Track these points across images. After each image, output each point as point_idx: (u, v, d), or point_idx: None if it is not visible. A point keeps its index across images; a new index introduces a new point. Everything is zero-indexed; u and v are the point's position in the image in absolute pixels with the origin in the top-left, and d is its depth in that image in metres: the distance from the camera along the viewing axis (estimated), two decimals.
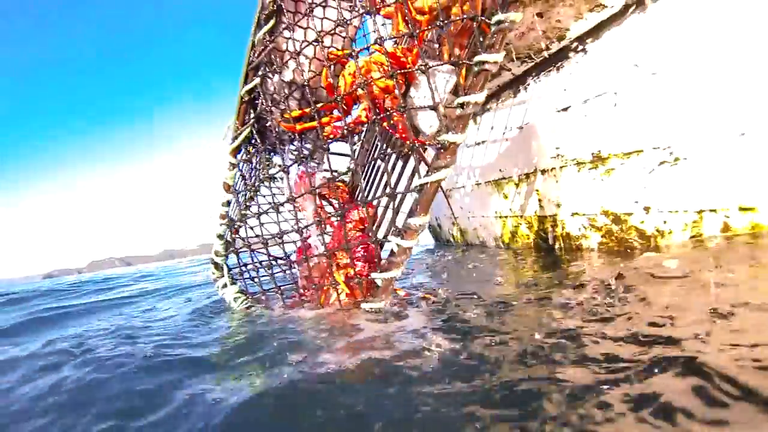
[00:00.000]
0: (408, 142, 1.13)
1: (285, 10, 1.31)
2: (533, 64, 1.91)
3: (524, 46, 1.83)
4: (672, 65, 1.45)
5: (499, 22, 0.91)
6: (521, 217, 2.26)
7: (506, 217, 2.39)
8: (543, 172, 2.00)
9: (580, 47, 1.73)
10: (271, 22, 1.28)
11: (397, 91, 1.10)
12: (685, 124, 1.45)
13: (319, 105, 1.28)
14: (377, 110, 1.19)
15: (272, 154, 1.70)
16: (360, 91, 1.17)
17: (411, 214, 1.09)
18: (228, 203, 1.62)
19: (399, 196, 1.40)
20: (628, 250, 1.75)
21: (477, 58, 0.92)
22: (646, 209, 1.64)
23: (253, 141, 1.55)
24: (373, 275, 1.15)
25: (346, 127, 1.17)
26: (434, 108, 1.08)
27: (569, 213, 1.94)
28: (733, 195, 1.40)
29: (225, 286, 1.62)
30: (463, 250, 3.02)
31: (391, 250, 1.29)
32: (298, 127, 1.25)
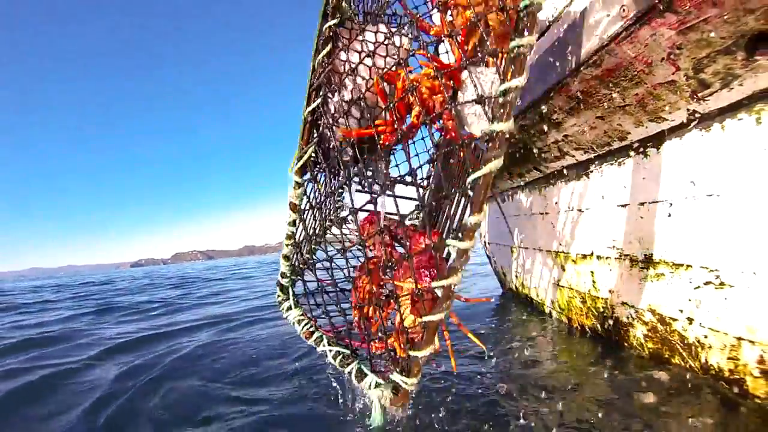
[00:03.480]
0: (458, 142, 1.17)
1: (341, 36, 1.45)
2: (595, 155, 2.01)
3: (586, 140, 1.95)
4: (730, 192, 1.49)
5: (527, 6, 0.96)
6: (576, 291, 2.38)
7: (563, 287, 2.51)
8: (599, 258, 2.11)
9: (641, 149, 1.80)
10: (328, 47, 1.41)
11: (443, 90, 1.17)
12: (736, 254, 1.49)
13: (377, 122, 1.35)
14: (428, 112, 1.22)
15: (341, 191, 1.75)
16: (411, 98, 1.27)
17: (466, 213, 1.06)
18: (294, 223, 1.58)
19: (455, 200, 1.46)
20: (669, 354, 1.83)
21: (512, 44, 0.97)
22: (689, 320, 1.70)
23: (317, 164, 1.57)
24: (433, 284, 1.11)
25: (400, 131, 1.27)
26: (479, 101, 1.15)
27: (620, 301, 2.03)
28: None
29: (289, 308, 1.61)
30: (524, 313, 3.22)
31: (449, 254, 1.36)
32: (354, 131, 1.36)
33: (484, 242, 4.05)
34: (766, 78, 1.28)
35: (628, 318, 2.01)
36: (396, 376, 1.15)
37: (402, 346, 1.29)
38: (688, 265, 1.68)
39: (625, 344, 2.09)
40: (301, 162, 1.50)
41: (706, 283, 1.62)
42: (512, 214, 3.10)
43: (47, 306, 8.59)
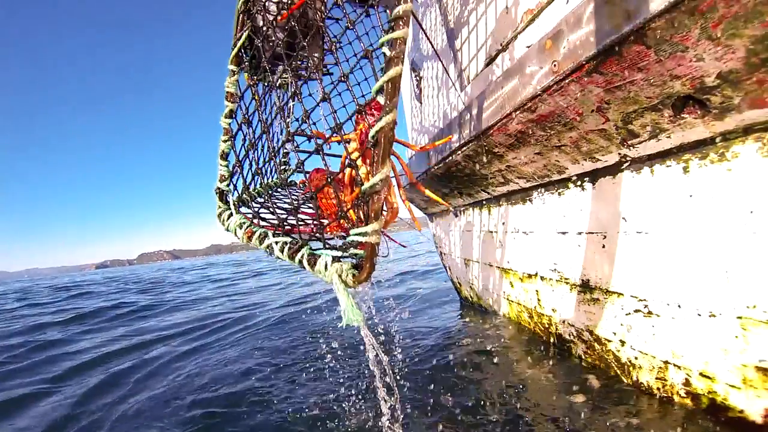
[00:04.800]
0: None
1: None
2: (538, 183, 2.02)
3: (528, 171, 1.94)
4: (658, 231, 1.52)
5: None
6: (524, 306, 2.43)
7: (512, 301, 2.57)
8: (542, 278, 2.15)
9: (579, 182, 1.82)
10: None
11: None
12: (662, 287, 1.55)
13: None
14: None
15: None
16: None
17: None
18: (230, 114, 1.44)
19: None
20: (606, 369, 1.92)
21: None
22: (622, 342, 1.77)
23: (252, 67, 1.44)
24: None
25: None
26: None
27: (561, 320, 2.09)
28: (696, 361, 1.50)
29: (230, 216, 1.42)
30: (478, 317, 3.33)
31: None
32: None
33: (441, 252, 4.08)
34: (694, 132, 1.29)
35: (569, 335, 2.08)
36: (354, 232, 0.95)
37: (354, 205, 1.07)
38: (620, 293, 1.73)
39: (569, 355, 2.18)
40: (235, 49, 1.39)
41: (636, 311, 1.68)
42: (465, 230, 3.12)
43: (14, 315, 8.10)
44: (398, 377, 2.31)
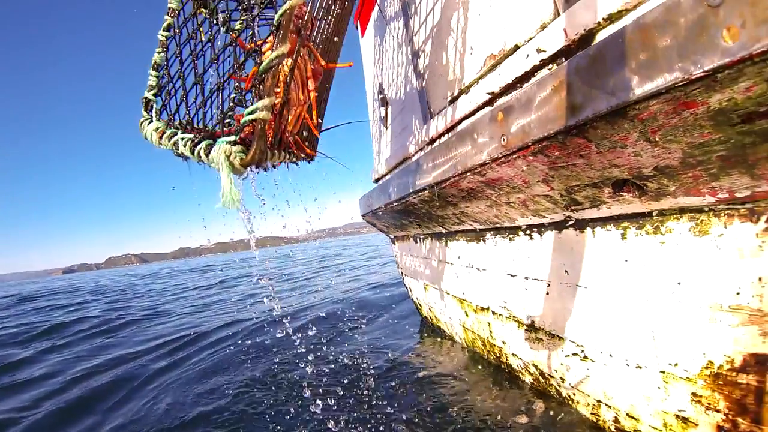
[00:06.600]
0: None
1: None
2: (490, 227, 2.04)
3: (481, 218, 1.96)
4: (596, 287, 1.57)
5: None
6: (478, 335, 2.48)
7: (467, 329, 2.62)
8: (494, 313, 2.20)
9: (528, 232, 1.85)
10: None
11: None
12: (597, 337, 1.61)
13: None
14: None
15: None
16: None
17: None
18: (168, 27, 1.40)
19: None
20: (551, 398, 2.00)
21: None
22: (562, 379, 1.84)
23: None
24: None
25: None
26: None
27: (511, 352, 2.15)
28: (623, 403, 1.58)
29: (150, 122, 1.35)
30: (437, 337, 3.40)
31: None
32: None
33: (402, 273, 4.08)
34: (632, 207, 1.33)
35: (518, 366, 2.14)
36: (247, 111, 0.89)
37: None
38: (560, 337, 1.79)
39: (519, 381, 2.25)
40: None
41: (574, 354, 1.74)
42: (424, 257, 3.13)
43: None
44: (352, 396, 2.33)
